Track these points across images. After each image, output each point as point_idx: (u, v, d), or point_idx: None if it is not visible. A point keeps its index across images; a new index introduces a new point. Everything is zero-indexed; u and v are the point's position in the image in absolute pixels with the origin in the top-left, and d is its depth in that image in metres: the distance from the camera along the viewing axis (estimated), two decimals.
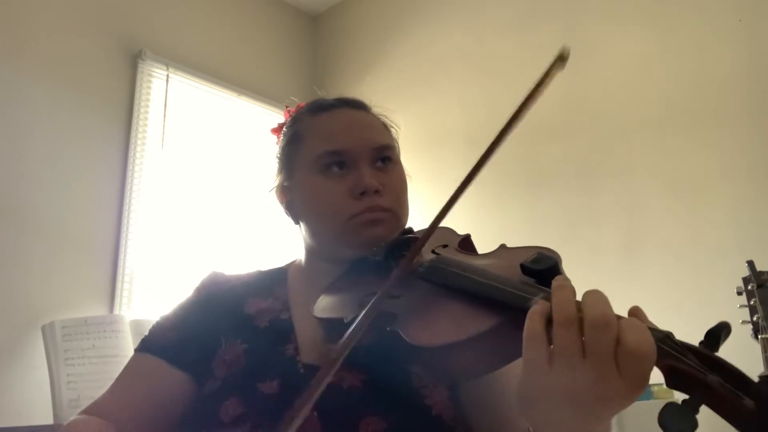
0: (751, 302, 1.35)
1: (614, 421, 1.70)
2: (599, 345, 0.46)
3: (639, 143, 2.21)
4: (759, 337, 1.31)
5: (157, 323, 0.87)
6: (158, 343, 0.83)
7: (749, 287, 1.37)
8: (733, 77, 2.04)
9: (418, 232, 0.83)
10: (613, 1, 2.38)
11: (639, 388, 0.46)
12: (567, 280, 0.52)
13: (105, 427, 0.74)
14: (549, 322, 0.49)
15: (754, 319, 1.33)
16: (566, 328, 0.47)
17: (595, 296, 0.48)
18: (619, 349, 0.45)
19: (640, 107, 2.23)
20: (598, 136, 2.31)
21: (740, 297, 1.38)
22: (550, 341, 0.48)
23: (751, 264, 1.39)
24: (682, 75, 2.15)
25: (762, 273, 1.36)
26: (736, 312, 1.37)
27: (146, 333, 0.87)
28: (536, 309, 0.50)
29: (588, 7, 2.44)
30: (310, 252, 0.90)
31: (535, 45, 2.52)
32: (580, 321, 0.47)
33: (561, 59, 0.61)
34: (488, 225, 2.48)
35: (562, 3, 2.51)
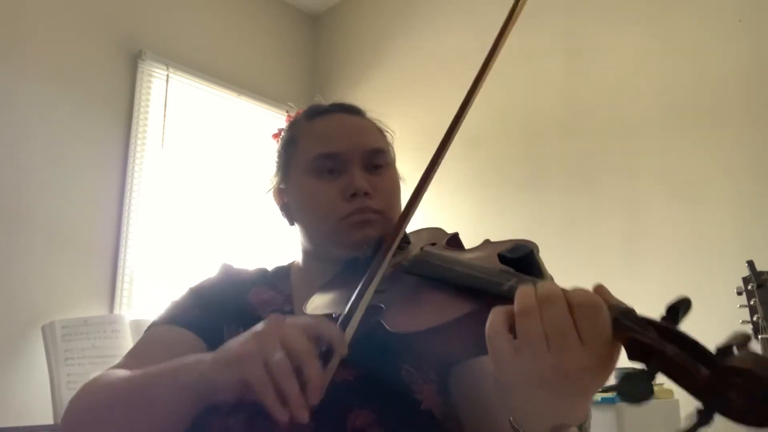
0: (751, 302, 1.35)
1: (614, 421, 1.69)
2: (555, 321, 0.47)
3: (639, 143, 2.21)
4: (759, 337, 1.31)
5: (175, 305, 0.86)
6: (183, 318, 0.82)
7: (749, 287, 1.36)
8: (733, 77, 2.04)
9: (411, 233, 0.85)
10: (613, 1, 2.38)
11: (606, 357, 0.47)
12: (545, 270, 0.53)
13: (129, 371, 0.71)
14: (511, 318, 0.50)
15: (754, 319, 1.33)
16: (525, 316, 0.49)
17: (545, 283, 0.51)
18: (573, 312, 0.47)
19: (640, 107, 2.23)
20: (598, 136, 2.31)
21: (740, 297, 1.38)
22: (513, 334, 0.50)
23: (751, 264, 1.38)
24: (682, 75, 2.15)
25: (762, 273, 1.36)
26: (736, 312, 1.37)
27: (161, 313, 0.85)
28: (497, 308, 0.52)
29: (588, 8, 2.44)
30: (306, 253, 0.91)
31: (535, 45, 2.52)
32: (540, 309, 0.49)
33: None
34: (488, 225, 2.48)
35: (562, 3, 2.51)
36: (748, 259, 1.40)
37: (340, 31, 3.43)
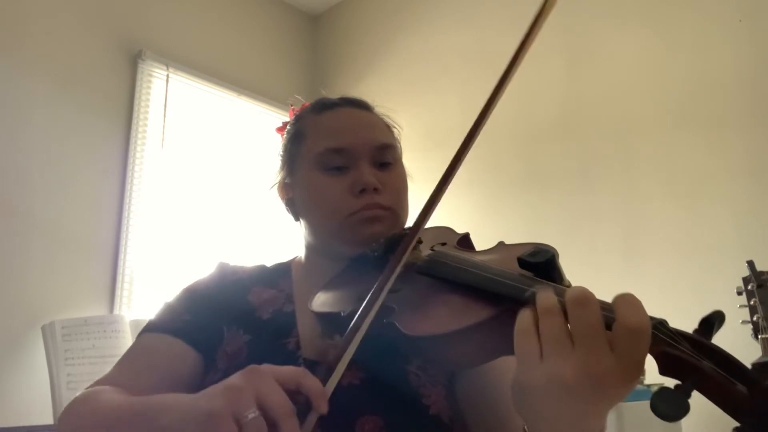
0: (751, 302, 1.35)
1: (613, 421, 1.69)
2: (583, 323, 0.46)
3: (639, 143, 2.20)
4: (759, 337, 1.31)
5: (167, 307, 0.85)
6: (173, 325, 0.81)
7: (749, 287, 1.36)
8: (733, 77, 2.04)
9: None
10: (613, 1, 2.38)
11: (635, 370, 0.45)
12: (565, 276, 0.52)
13: (119, 392, 0.70)
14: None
15: (754, 319, 1.33)
16: (548, 315, 0.48)
17: (576, 286, 0.49)
18: (615, 325, 0.45)
19: (641, 107, 2.23)
20: (598, 136, 2.31)
21: (740, 297, 1.38)
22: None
23: (751, 264, 1.38)
24: (682, 75, 2.15)
25: (762, 273, 1.36)
26: (736, 312, 1.37)
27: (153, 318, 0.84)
28: (526, 308, 0.51)
29: (588, 7, 2.44)
30: (310, 249, 0.90)
31: (535, 45, 2.52)
32: (564, 310, 0.48)
33: None
34: (488, 224, 2.48)
35: (562, 3, 2.50)
36: (748, 259, 1.40)
37: (340, 31, 3.43)
